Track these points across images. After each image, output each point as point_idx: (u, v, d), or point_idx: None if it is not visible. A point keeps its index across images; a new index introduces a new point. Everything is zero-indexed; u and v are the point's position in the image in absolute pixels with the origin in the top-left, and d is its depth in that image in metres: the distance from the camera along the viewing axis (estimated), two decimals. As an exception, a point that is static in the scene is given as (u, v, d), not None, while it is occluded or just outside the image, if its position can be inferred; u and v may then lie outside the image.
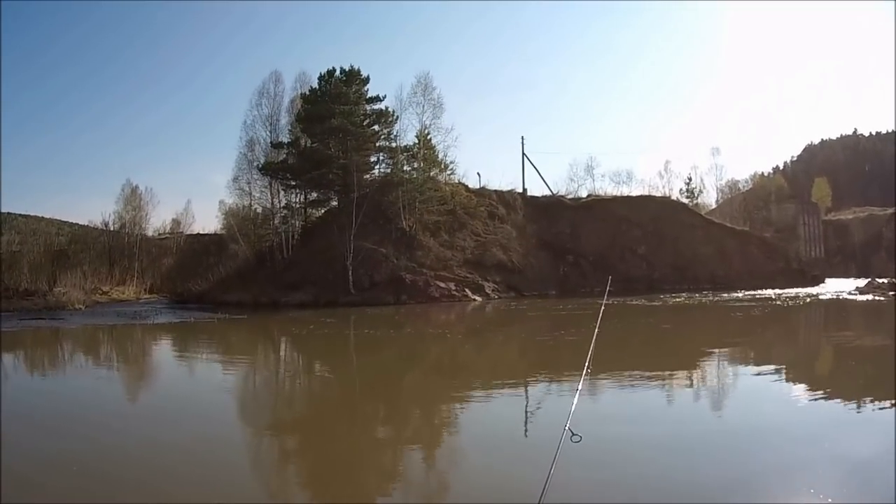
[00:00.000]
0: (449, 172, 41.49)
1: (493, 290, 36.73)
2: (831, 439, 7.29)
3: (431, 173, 40.00)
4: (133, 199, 51.22)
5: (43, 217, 56.61)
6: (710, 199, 56.99)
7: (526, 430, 8.50)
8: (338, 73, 41.10)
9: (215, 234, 49.52)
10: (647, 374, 12.20)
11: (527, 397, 11.01)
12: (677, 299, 33.54)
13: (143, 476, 6.54)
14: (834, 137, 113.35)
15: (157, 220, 56.84)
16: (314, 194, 41.61)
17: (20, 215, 57.77)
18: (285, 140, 41.50)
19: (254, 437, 8.94)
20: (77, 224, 58.01)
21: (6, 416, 10.14)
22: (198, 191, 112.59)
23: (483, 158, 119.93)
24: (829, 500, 5.16)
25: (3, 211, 50.42)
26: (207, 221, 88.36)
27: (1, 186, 67.77)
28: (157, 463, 7.05)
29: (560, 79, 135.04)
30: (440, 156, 40.76)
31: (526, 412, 9.78)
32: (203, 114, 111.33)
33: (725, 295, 35.52)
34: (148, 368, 16.96)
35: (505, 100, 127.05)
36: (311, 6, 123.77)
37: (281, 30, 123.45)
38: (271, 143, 41.13)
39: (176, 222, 56.38)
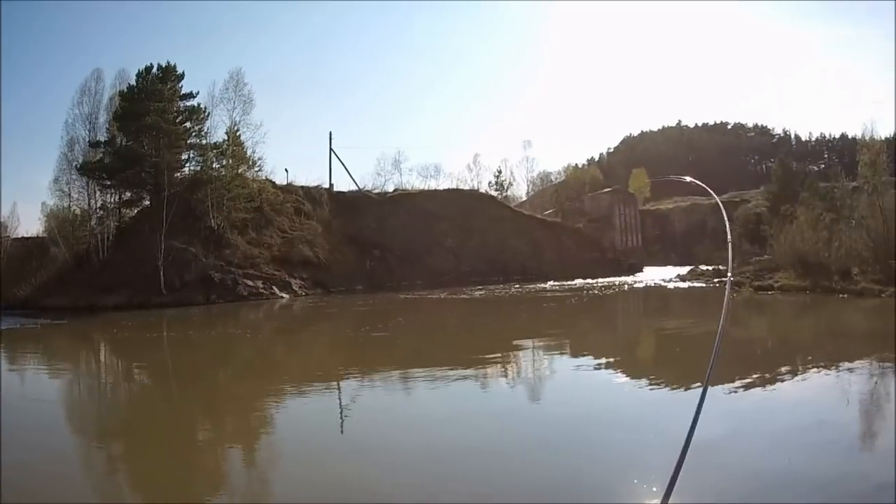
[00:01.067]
0: (257, 169, 43.01)
1: (300, 287, 38.71)
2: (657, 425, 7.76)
3: (240, 170, 41.38)
4: None
5: None
6: (520, 191, 60.28)
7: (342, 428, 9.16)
8: (155, 69, 42.03)
9: (38, 238, 48.33)
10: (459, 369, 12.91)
11: (339, 394, 11.61)
12: (481, 291, 35.61)
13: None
14: (655, 129, 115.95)
15: None
16: (128, 194, 42.44)
17: None
18: (102, 139, 42.21)
19: (81, 446, 9.27)
20: None
21: None
22: (23, 194, 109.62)
23: (292, 154, 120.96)
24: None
25: None
26: (32, 224, 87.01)
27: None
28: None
29: (368, 75, 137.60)
30: (248, 152, 42.30)
31: (340, 408, 10.43)
32: (29, 113, 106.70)
33: (538, 285, 37.54)
34: None
35: (315, 96, 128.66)
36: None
37: (108, 22, 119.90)
38: (89, 142, 41.79)
39: (3, 226, 55.61)
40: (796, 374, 11.51)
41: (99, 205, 42.20)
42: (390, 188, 49.20)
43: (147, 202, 42.08)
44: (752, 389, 9.98)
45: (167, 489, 6.81)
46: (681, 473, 1.84)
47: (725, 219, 3.82)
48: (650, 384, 10.96)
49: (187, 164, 42.35)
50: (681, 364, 12.84)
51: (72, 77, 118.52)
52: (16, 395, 13.48)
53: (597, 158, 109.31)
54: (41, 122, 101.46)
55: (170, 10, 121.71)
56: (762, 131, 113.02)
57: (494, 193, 52.32)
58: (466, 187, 51.10)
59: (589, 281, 40.88)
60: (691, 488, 4.91)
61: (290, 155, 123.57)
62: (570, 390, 11.20)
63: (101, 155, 41.91)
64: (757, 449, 6.80)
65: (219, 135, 41.94)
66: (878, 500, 5.31)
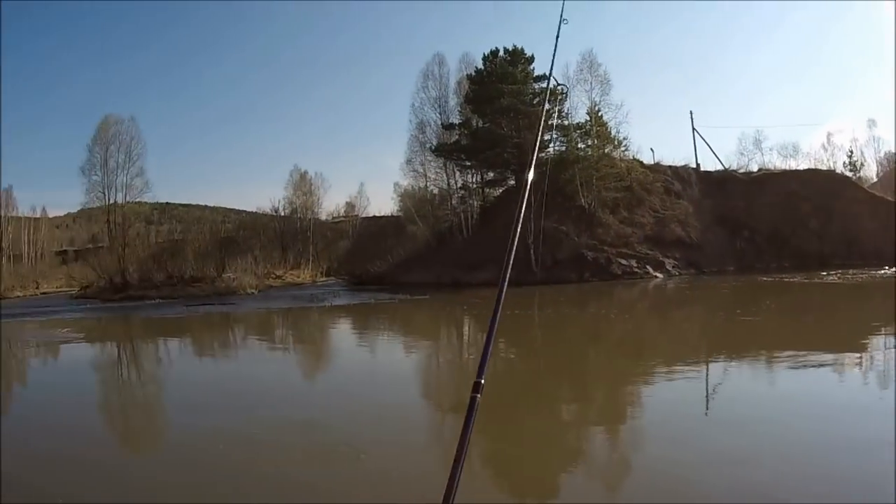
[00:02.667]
0: (623, 149, 41.49)
1: (672, 267, 36.92)
2: None
3: (606, 150, 40.16)
4: (303, 184, 52.74)
5: (206, 205, 58.99)
6: (870, 171, 55.88)
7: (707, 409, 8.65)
8: (501, 53, 41.77)
9: (392, 216, 50.56)
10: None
11: (707, 376, 11.09)
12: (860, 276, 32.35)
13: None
14: None
15: (330, 205, 59.86)
16: (490, 174, 42.37)
17: (181, 205, 60.09)
18: (456, 121, 42.29)
19: (437, 416, 9.50)
20: (245, 211, 60.17)
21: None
22: (370, 174, 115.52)
23: (654, 134, 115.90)
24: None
25: (162, 201, 52.87)
26: (382, 204, 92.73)
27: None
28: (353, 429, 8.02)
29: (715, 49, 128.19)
30: (613, 132, 40.88)
31: (707, 390, 9.93)
32: (367, 98, 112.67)
33: None
34: (327, 349, 18.04)
35: (670, 74, 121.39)
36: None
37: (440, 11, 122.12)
38: (442, 124, 42.04)
39: (350, 205, 57.94)
40: None
41: (459, 185, 42.40)
42: (753, 168, 46.17)
43: (511, 182, 41.57)
44: None
45: (522, 464, 6.81)
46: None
47: None
48: None
49: (550, 145, 41.09)
50: None
51: (412, 65, 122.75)
52: (367, 368, 14.14)
53: None
54: (385, 106, 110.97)
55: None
56: None
57: (849, 174, 48.18)
58: (823, 167, 47.15)
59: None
60: None
61: (652, 134, 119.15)
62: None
63: (455, 136, 42.09)
64: None
65: (580, 115, 41.01)
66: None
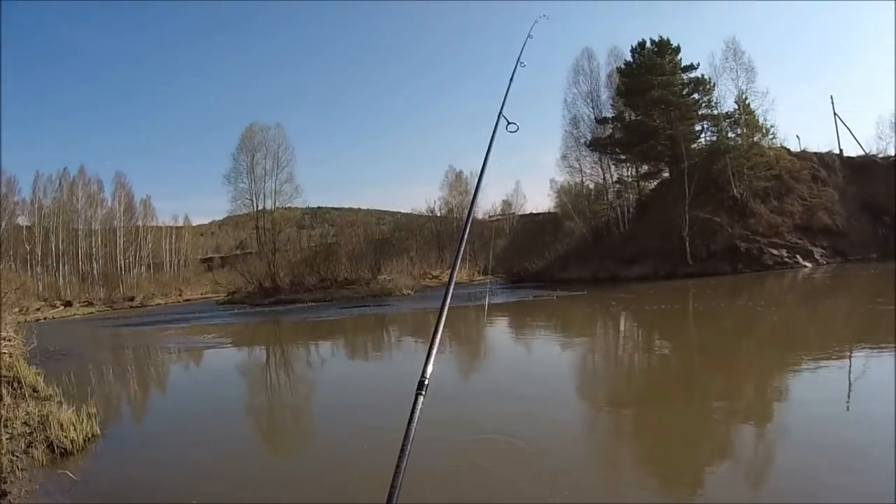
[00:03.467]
0: (771, 136, 42.56)
1: (821, 256, 38.29)
2: None
3: (755, 138, 41.32)
4: (458, 183, 54.70)
5: (360, 208, 61.11)
6: None
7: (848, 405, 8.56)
8: (648, 44, 42.97)
9: (549, 213, 51.60)
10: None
11: (850, 367, 10.98)
12: None
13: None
14: None
15: (486, 203, 59.77)
16: (645, 167, 44.03)
17: (333, 208, 62.23)
18: (609, 115, 44.06)
19: (591, 412, 9.87)
20: (400, 212, 61.78)
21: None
22: (526, 172, 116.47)
23: (796, 120, 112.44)
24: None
25: (314, 206, 54.20)
26: (539, 201, 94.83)
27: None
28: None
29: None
30: (760, 120, 42.00)
31: (849, 382, 9.90)
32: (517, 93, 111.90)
33: None
34: (484, 347, 17.95)
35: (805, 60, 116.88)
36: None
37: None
38: (595, 118, 43.86)
39: (507, 203, 59.35)
40: None
41: (615, 179, 44.21)
42: (892, 151, 46.94)
43: (666, 174, 43.30)
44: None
45: (668, 460, 6.93)
46: None
47: None
48: None
49: (702, 135, 42.75)
50: None
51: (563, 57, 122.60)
52: (522, 360, 14.86)
53: None
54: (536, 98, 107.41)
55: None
56: None
57: None
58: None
59: None
60: None
61: (794, 121, 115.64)
62: None
63: (609, 130, 43.73)
64: None
65: (728, 104, 42.08)
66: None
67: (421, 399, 1.81)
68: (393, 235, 52.67)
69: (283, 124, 58.09)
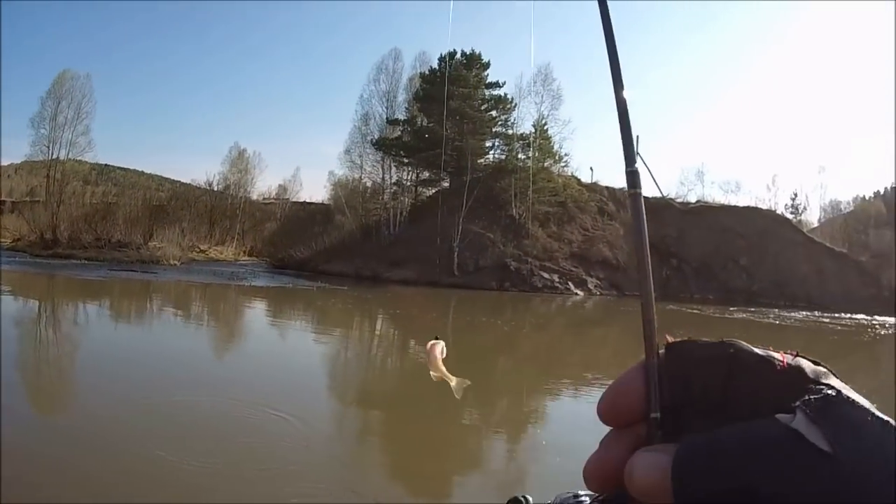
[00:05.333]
0: (563, 164, 41.82)
1: (595, 287, 36.89)
2: None
3: (545, 164, 40.24)
4: (240, 161, 52.40)
5: (143, 171, 58.26)
6: (812, 217, 56.18)
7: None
8: (458, 55, 41.52)
9: (322, 204, 50.28)
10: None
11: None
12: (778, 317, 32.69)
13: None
14: None
15: (263, 185, 58.40)
16: (426, 173, 42.21)
17: (119, 168, 59.44)
18: (401, 117, 42.21)
19: (338, 411, 9.53)
20: (179, 181, 59.61)
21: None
22: (307, 160, 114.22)
23: (598, 154, 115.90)
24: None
25: (102, 162, 52.25)
26: (315, 191, 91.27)
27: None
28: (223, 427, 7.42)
29: (676, 80, 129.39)
30: (555, 147, 41.08)
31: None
32: (318, 85, 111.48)
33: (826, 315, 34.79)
34: (237, 330, 17.97)
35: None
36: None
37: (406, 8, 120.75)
38: (387, 119, 41.94)
39: (283, 188, 57.32)
40: None
41: (394, 180, 42.54)
42: (692, 199, 46.28)
43: (447, 184, 41.46)
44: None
45: (420, 462, 6.96)
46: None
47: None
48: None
49: (491, 152, 41.64)
50: None
51: (367, 54, 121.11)
52: (276, 351, 14.38)
53: (882, 192, 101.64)
54: (333, 92, 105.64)
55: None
56: None
57: (790, 216, 48.52)
58: (764, 206, 47.47)
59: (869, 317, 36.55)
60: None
61: (595, 154, 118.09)
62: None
63: (398, 132, 42.02)
64: None
65: (525, 126, 41.05)
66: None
67: None
68: (168, 204, 50.52)
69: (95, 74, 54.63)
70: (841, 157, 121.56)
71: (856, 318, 35.50)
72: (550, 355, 16.68)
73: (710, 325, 26.06)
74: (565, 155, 41.88)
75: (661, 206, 43.34)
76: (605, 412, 0.35)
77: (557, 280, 36.11)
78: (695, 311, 30.59)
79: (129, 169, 64.24)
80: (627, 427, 0.34)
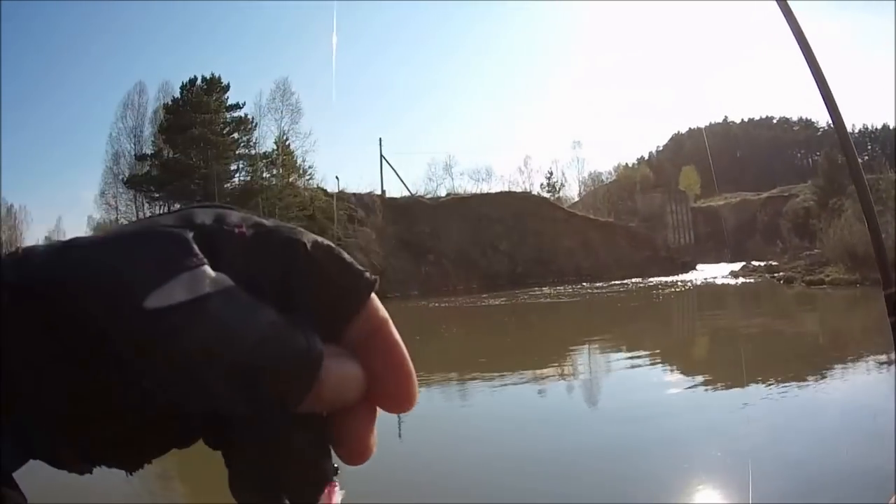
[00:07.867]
0: (308, 177, 42.57)
1: None
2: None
3: (290, 179, 41.01)
4: (8, 219, 49.96)
5: None
6: (572, 192, 59.38)
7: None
8: (199, 81, 41.61)
9: None
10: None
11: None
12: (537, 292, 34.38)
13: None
14: (702, 126, 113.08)
15: (31, 239, 55.35)
16: (177, 205, 41.50)
17: None
18: (149, 151, 42.01)
19: None
20: None
21: None
22: (68, 207, 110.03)
23: (342, 161, 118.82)
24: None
25: None
26: None
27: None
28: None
29: (415, 78, 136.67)
30: (299, 161, 41.94)
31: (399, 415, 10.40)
32: (75, 128, 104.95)
33: (596, 285, 36.49)
34: None
35: (362, 102, 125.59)
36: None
37: (149, 36, 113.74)
38: (135, 155, 41.63)
39: (48, 240, 55.46)
40: (847, 369, 10.68)
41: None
42: (442, 193, 48.23)
43: (199, 213, 41.21)
44: (805, 385, 9.36)
45: None
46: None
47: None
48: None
49: (237, 175, 41.87)
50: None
51: (117, 91, 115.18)
52: None
53: (646, 157, 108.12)
54: (87, 136, 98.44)
55: (216, 22, 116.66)
56: (807, 125, 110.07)
57: (547, 195, 51.23)
58: (518, 189, 49.90)
59: (646, 280, 39.93)
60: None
61: (340, 162, 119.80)
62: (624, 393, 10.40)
63: (147, 168, 41.75)
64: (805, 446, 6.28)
65: (268, 144, 41.74)
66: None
67: None
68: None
69: None
70: (596, 129, 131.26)
71: (626, 283, 37.29)
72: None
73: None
74: (309, 167, 42.78)
75: (412, 205, 45.49)
76: None
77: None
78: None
79: None
80: None
